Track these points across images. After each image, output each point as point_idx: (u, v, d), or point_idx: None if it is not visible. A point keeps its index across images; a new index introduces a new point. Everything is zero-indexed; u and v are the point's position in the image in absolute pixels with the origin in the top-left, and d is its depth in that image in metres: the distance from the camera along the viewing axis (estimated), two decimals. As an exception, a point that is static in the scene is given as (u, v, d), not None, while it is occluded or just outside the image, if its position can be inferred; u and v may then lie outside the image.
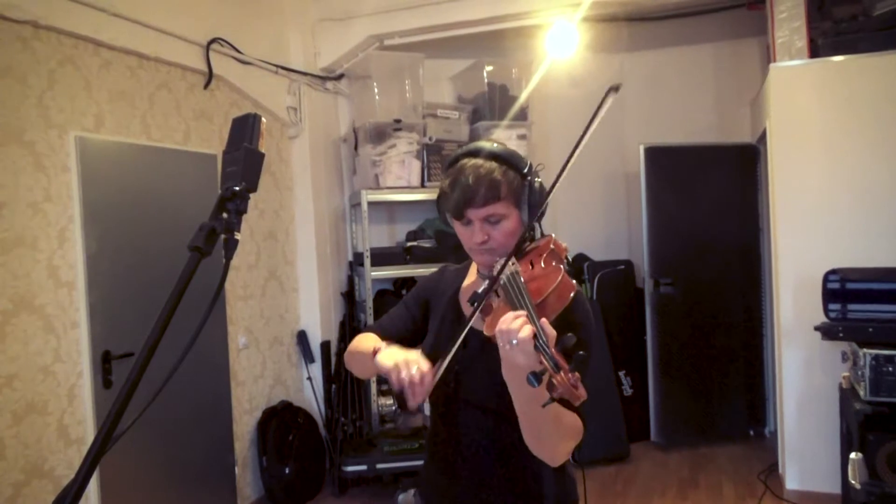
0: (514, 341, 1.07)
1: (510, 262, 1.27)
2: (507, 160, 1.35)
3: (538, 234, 1.45)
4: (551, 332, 1.09)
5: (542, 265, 1.31)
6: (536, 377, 1.03)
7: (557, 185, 1.27)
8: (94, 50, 2.98)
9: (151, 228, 3.18)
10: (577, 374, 1.03)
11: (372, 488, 4.13)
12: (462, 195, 1.32)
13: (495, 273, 1.27)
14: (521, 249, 1.35)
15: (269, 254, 4.12)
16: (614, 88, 1.24)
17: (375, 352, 1.34)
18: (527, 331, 1.07)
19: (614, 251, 5.16)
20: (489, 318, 1.23)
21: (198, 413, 3.47)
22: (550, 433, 1.21)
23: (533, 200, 1.36)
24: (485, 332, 1.20)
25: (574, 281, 1.27)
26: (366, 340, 1.47)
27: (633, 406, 4.70)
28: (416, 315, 1.54)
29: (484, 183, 1.31)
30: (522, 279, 1.24)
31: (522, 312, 1.11)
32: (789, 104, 3.71)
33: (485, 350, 1.27)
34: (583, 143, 1.27)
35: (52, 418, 2.74)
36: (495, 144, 1.38)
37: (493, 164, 1.34)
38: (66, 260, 2.81)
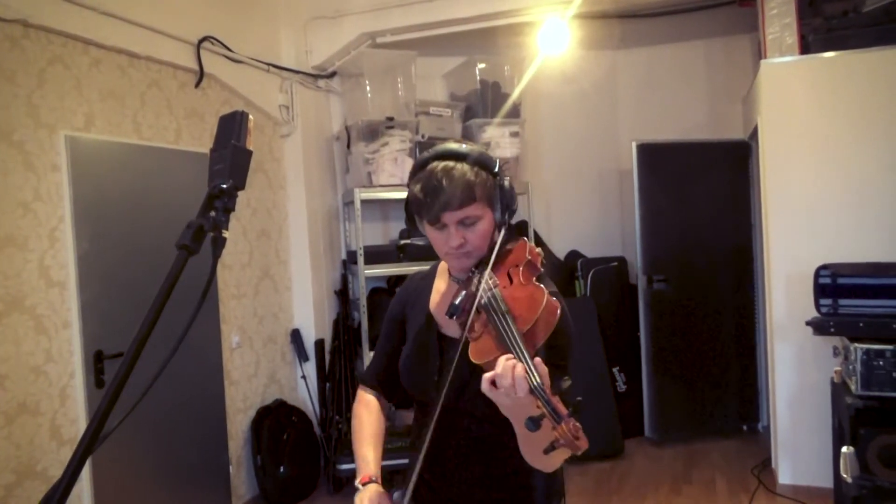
0: (510, 383, 1.06)
1: (488, 276, 1.27)
2: (478, 160, 1.33)
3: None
4: (544, 370, 1.08)
5: (522, 280, 1.29)
6: (535, 422, 1.03)
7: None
8: (84, 49, 2.96)
9: (143, 228, 3.17)
10: (577, 424, 1.02)
11: (367, 486, 4.12)
12: (438, 199, 1.30)
13: (473, 287, 1.26)
14: (495, 254, 1.33)
15: (262, 252, 4.11)
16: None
17: (355, 486, 1.42)
18: (522, 378, 1.06)
19: (608, 248, 5.17)
20: (474, 344, 1.22)
21: (191, 412, 3.46)
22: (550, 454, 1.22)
23: (505, 199, 1.35)
24: (472, 360, 1.19)
25: (554, 298, 1.24)
26: (361, 429, 1.53)
27: (626, 402, 4.71)
28: (396, 343, 1.53)
29: (459, 185, 1.29)
30: (505, 301, 1.22)
31: (512, 358, 1.09)
32: (780, 100, 3.73)
33: (464, 358, 1.25)
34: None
35: (45, 419, 2.73)
36: (463, 145, 1.36)
37: (465, 166, 1.32)
38: (57, 260, 2.80)
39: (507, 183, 1.36)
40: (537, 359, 1.09)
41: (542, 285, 1.26)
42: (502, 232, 1.33)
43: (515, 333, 1.15)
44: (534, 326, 1.18)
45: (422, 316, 1.47)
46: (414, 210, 1.37)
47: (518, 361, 1.08)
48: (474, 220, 1.32)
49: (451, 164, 1.32)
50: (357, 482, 1.42)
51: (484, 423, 1.34)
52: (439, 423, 1.34)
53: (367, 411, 1.55)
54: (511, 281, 1.30)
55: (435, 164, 1.34)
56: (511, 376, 1.06)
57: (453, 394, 1.30)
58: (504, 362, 1.09)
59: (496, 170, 1.35)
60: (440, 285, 1.48)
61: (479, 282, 1.26)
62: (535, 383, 1.05)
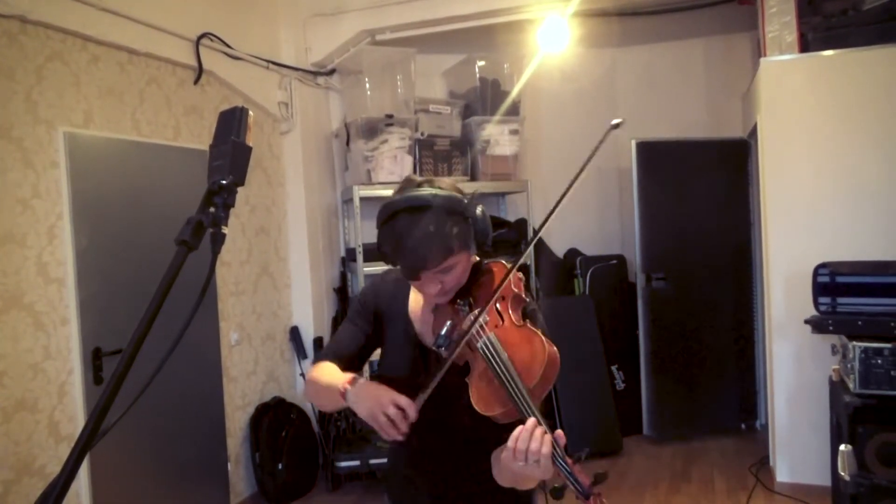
0: (536, 460, 1.05)
1: (479, 316, 1.23)
2: (449, 208, 1.25)
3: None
4: (562, 438, 1.07)
5: (514, 319, 1.26)
6: (559, 493, 1.03)
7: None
8: (83, 45, 2.95)
9: (142, 224, 3.16)
10: (604, 501, 1.02)
11: (365, 483, 4.13)
12: (413, 261, 1.24)
13: (465, 326, 1.23)
14: (472, 284, 1.32)
15: (261, 250, 4.11)
16: (615, 126, 1.23)
17: (344, 392, 1.30)
18: (548, 448, 1.04)
19: (607, 246, 5.17)
20: (475, 389, 1.20)
21: (190, 409, 3.46)
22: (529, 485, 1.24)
23: (480, 233, 1.29)
24: (476, 409, 1.17)
25: (552, 344, 1.21)
26: (325, 372, 1.41)
27: (625, 400, 4.71)
28: (367, 330, 1.48)
29: (433, 244, 1.22)
30: (504, 349, 1.19)
31: (532, 426, 1.07)
32: (780, 99, 3.72)
33: (449, 375, 1.26)
34: (580, 178, 1.26)
35: (43, 415, 2.72)
36: (435, 193, 1.25)
37: (435, 217, 1.23)
38: (56, 256, 2.79)
39: (479, 213, 1.29)
40: (559, 432, 1.08)
41: (535, 330, 1.23)
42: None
43: (524, 393, 1.12)
44: (540, 380, 1.16)
45: (400, 322, 1.44)
46: (385, 260, 1.31)
47: (545, 433, 1.07)
48: (450, 268, 1.27)
49: (422, 217, 1.23)
50: (342, 386, 1.31)
51: (467, 429, 1.33)
52: (424, 429, 1.35)
53: (324, 366, 1.44)
54: (501, 319, 1.27)
55: (403, 217, 1.25)
56: (539, 444, 1.05)
57: (440, 408, 1.30)
58: (533, 433, 1.07)
59: (468, 213, 1.27)
60: (417, 294, 1.44)
61: (472, 321, 1.23)
62: (558, 455, 1.04)
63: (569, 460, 1.04)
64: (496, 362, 1.18)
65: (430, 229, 1.23)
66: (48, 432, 2.74)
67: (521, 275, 1.35)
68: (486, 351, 1.19)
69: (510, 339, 1.22)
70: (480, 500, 1.40)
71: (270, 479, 3.87)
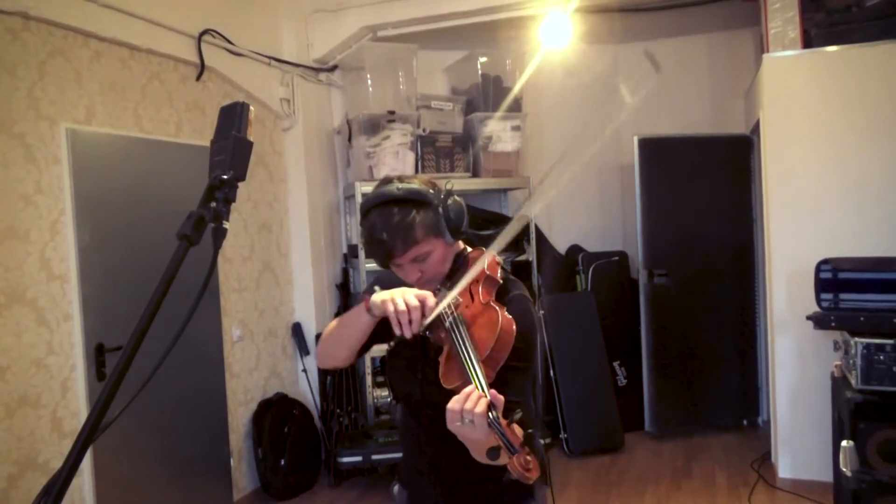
0: (470, 419, 1.11)
1: (453, 296, 1.31)
2: (415, 200, 1.34)
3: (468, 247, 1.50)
4: (500, 401, 1.13)
5: (482, 298, 1.34)
6: (496, 453, 1.09)
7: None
8: (85, 41, 2.96)
9: (144, 220, 3.17)
10: (528, 458, 1.07)
11: (367, 479, 4.14)
12: (381, 249, 1.34)
13: (439, 304, 1.30)
14: (457, 271, 1.40)
15: (264, 246, 4.11)
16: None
17: (368, 299, 1.34)
18: (481, 408, 1.10)
19: (609, 242, 5.17)
20: (444, 367, 1.28)
21: (192, 405, 3.47)
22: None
23: (452, 223, 1.37)
24: (443, 385, 1.24)
25: (510, 316, 1.28)
26: (336, 320, 1.51)
27: (627, 396, 4.72)
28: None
29: (398, 232, 1.32)
30: (466, 326, 1.27)
31: (471, 389, 1.14)
32: (783, 95, 3.71)
33: (436, 363, 1.32)
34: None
35: (46, 411, 2.74)
36: (399, 186, 1.36)
37: (403, 208, 1.33)
38: (58, 252, 2.80)
39: (451, 203, 1.37)
40: (492, 391, 1.14)
41: (496, 306, 1.31)
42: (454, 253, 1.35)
43: (475, 364, 1.19)
44: (492, 351, 1.23)
45: None
46: (366, 254, 1.41)
47: (482, 396, 1.13)
48: (425, 256, 1.36)
49: (388, 209, 1.34)
50: (365, 301, 1.36)
51: None
52: (425, 416, 1.39)
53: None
54: (472, 299, 1.35)
55: (373, 212, 1.36)
56: (473, 404, 1.11)
57: (434, 391, 1.34)
58: (470, 395, 1.13)
59: (435, 202, 1.36)
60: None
61: (442, 303, 1.31)
62: (491, 417, 1.10)
63: (503, 421, 1.10)
64: (456, 336, 1.25)
65: (394, 220, 1.32)
66: (51, 427, 2.75)
67: (499, 259, 1.43)
68: (451, 327, 1.27)
69: (473, 315, 1.31)
70: (483, 488, 1.42)
71: (273, 474, 3.88)
